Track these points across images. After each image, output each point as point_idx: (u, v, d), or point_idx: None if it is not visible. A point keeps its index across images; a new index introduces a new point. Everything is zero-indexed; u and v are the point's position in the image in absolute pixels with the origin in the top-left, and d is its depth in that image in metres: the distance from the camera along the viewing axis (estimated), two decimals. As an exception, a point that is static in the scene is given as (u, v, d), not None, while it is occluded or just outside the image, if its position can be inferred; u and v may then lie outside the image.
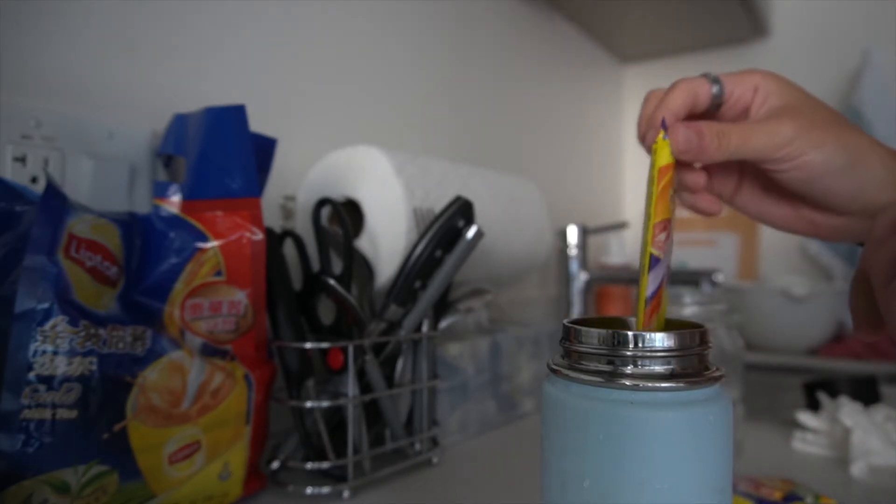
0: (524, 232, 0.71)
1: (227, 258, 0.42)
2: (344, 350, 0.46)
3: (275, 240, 0.47)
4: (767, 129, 0.36)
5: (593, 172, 1.31)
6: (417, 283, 0.50)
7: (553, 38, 1.15)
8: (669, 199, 0.31)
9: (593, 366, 0.26)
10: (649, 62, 1.42)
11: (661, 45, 1.34)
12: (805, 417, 0.58)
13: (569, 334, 0.28)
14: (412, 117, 0.82)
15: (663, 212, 0.30)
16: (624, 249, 1.14)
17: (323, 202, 0.52)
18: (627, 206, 1.47)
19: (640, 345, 0.26)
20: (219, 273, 0.42)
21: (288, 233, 0.52)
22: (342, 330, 0.49)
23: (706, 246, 1.35)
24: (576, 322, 0.28)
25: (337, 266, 0.51)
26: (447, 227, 0.50)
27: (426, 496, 0.46)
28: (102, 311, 0.37)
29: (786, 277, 1.16)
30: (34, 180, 0.45)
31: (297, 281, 0.50)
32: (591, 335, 0.27)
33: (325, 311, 0.51)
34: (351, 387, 0.46)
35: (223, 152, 0.44)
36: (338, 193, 0.58)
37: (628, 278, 1.00)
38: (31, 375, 0.33)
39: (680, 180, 0.40)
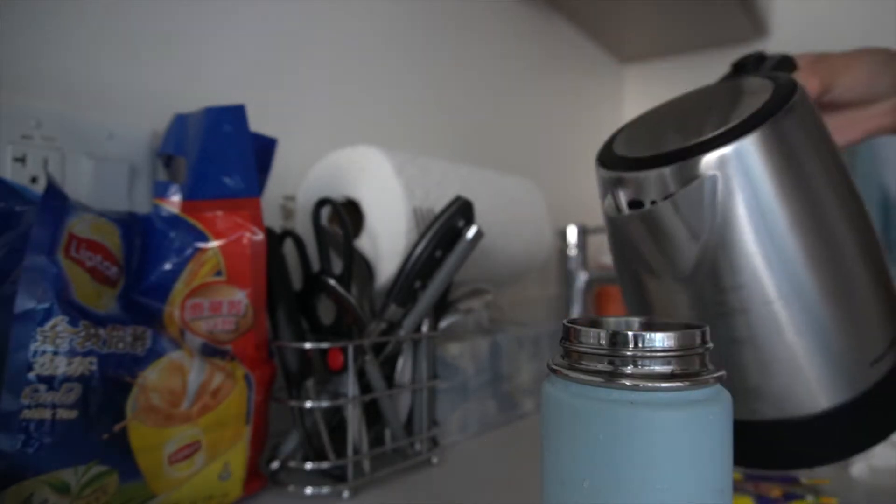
0: (524, 232, 0.71)
1: (227, 258, 0.42)
2: (344, 350, 0.46)
3: (275, 240, 0.47)
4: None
5: (593, 172, 1.30)
6: (417, 283, 0.50)
7: (553, 38, 1.15)
8: None
9: (593, 366, 0.26)
10: (649, 62, 1.42)
11: (661, 45, 1.34)
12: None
13: (569, 334, 0.28)
14: (412, 117, 0.82)
15: None
16: (624, 249, 1.14)
17: (323, 202, 0.52)
18: (627, 206, 1.47)
19: (640, 345, 0.26)
20: (219, 273, 0.42)
21: (288, 233, 0.52)
22: (342, 330, 0.49)
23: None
24: (576, 322, 0.28)
25: (337, 266, 0.51)
26: (447, 227, 0.50)
27: (426, 496, 0.46)
28: (102, 311, 0.37)
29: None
30: (34, 180, 0.45)
31: (297, 281, 0.50)
32: (591, 335, 0.27)
33: (325, 311, 0.51)
34: (351, 387, 0.46)
35: (223, 152, 0.44)
36: (338, 193, 0.58)
37: (628, 278, 0.99)
38: (31, 375, 0.33)
39: None
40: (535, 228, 0.74)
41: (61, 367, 0.33)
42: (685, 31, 1.26)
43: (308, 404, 0.45)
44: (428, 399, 0.52)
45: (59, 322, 0.33)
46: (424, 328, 0.51)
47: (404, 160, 0.58)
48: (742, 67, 0.45)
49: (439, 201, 0.58)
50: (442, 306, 0.54)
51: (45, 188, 0.36)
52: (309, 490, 0.45)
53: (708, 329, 0.27)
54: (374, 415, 0.50)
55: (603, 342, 0.26)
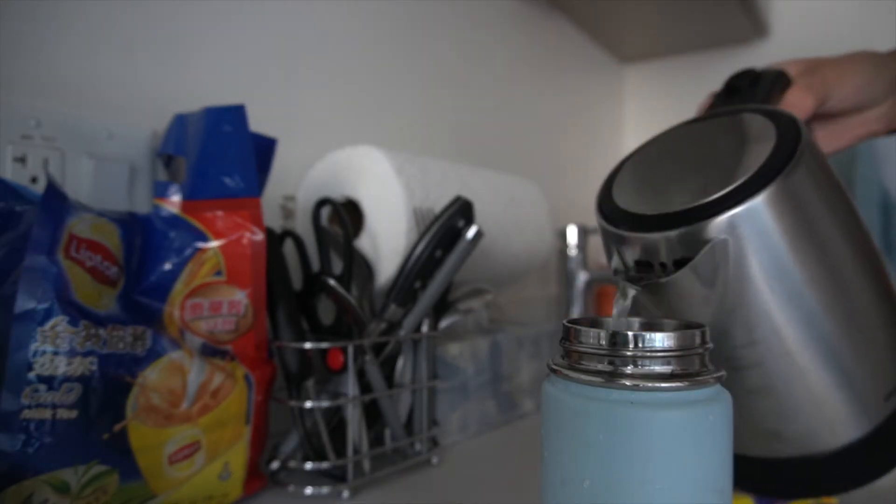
0: (524, 232, 0.71)
1: (228, 258, 0.42)
2: (344, 350, 0.46)
3: (275, 240, 0.47)
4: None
5: (593, 172, 1.30)
6: (417, 283, 0.50)
7: (553, 38, 1.15)
8: None
9: (593, 366, 0.26)
10: (649, 62, 1.42)
11: (661, 45, 1.34)
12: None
13: (569, 334, 0.28)
14: (412, 117, 0.82)
15: None
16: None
17: (323, 202, 0.52)
18: (627, 206, 1.47)
19: (640, 345, 0.26)
20: (219, 273, 0.42)
21: (288, 233, 0.52)
22: (342, 330, 0.49)
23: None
24: (576, 322, 0.28)
25: (337, 266, 0.51)
26: (447, 227, 0.50)
27: (426, 496, 0.46)
28: (102, 311, 0.37)
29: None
30: (34, 180, 0.45)
31: (297, 281, 0.50)
32: (591, 335, 0.27)
33: (325, 311, 0.51)
34: (351, 387, 0.46)
35: (223, 152, 0.44)
36: (338, 193, 0.58)
37: (628, 278, 0.99)
38: (32, 375, 0.33)
39: None
40: (536, 228, 0.74)
41: (61, 367, 0.33)
42: (685, 31, 1.26)
43: (308, 404, 0.45)
44: (428, 399, 0.52)
45: (60, 322, 0.33)
46: (424, 328, 0.51)
47: (404, 160, 0.58)
48: (737, 91, 0.44)
49: (439, 201, 0.58)
50: (442, 306, 0.54)
51: (45, 188, 0.36)
52: (309, 490, 0.45)
53: (708, 329, 0.27)
54: (374, 415, 0.50)
55: (603, 342, 0.26)
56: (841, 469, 0.36)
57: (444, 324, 0.54)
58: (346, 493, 0.45)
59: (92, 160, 0.48)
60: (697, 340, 0.26)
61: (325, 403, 0.45)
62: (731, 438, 0.26)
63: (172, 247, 0.42)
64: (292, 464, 0.47)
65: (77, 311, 0.34)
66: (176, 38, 0.55)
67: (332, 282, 0.47)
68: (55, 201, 0.36)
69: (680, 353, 0.26)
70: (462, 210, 0.51)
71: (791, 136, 0.33)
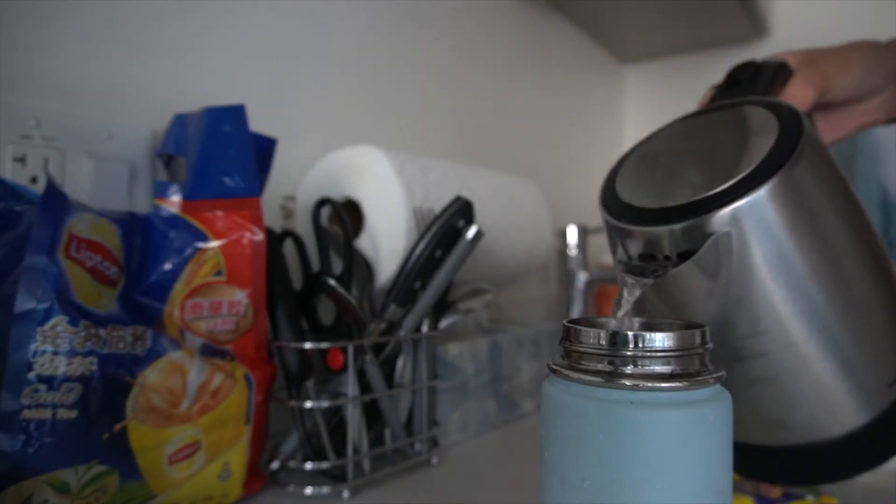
0: (524, 232, 0.71)
1: (228, 258, 0.42)
2: (344, 350, 0.46)
3: (275, 240, 0.47)
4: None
5: (593, 172, 1.30)
6: (417, 283, 0.50)
7: (553, 38, 1.15)
8: None
9: (593, 366, 0.26)
10: (649, 62, 1.42)
11: (661, 45, 1.34)
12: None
13: (569, 334, 0.28)
14: (412, 117, 0.82)
15: None
16: (624, 249, 1.14)
17: (323, 202, 0.52)
18: (627, 206, 1.47)
19: (640, 345, 0.26)
20: (219, 273, 0.42)
21: (288, 233, 0.52)
22: (342, 330, 0.49)
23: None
24: (576, 322, 0.28)
25: (337, 266, 0.51)
26: (447, 227, 0.50)
27: (426, 496, 0.46)
28: (102, 311, 0.37)
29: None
30: (34, 180, 0.45)
31: (297, 281, 0.50)
32: (591, 335, 0.27)
33: (325, 311, 0.51)
34: (351, 387, 0.46)
35: (223, 152, 0.44)
36: (338, 193, 0.58)
37: (628, 278, 0.99)
38: (32, 375, 0.33)
39: None
40: (536, 228, 0.74)
41: (61, 367, 0.33)
42: (685, 31, 1.26)
43: (308, 404, 0.45)
44: (428, 399, 0.52)
45: (59, 322, 0.33)
46: (424, 328, 0.51)
47: (404, 160, 0.58)
48: (738, 83, 0.44)
49: (439, 201, 0.58)
50: (442, 306, 0.54)
51: (45, 188, 0.36)
52: (309, 490, 0.45)
53: (708, 329, 0.27)
54: (374, 415, 0.50)
55: (603, 342, 0.26)
56: (845, 456, 0.37)
57: (444, 324, 0.54)
58: (346, 493, 0.45)
59: (92, 160, 0.48)
60: (697, 340, 0.26)
61: (325, 403, 0.45)
62: (731, 438, 0.26)
63: (172, 247, 0.42)
64: (292, 464, 0.47)
65: (77, 311, 0.34)
66: (176, 38, 0.55)
67: (332, 282, 0.47)
68: (55, 201, 0.36)
69: (680, 353, 0.26)
70: (462, 210, 0.51)
71: (793, 129, 0.33)
